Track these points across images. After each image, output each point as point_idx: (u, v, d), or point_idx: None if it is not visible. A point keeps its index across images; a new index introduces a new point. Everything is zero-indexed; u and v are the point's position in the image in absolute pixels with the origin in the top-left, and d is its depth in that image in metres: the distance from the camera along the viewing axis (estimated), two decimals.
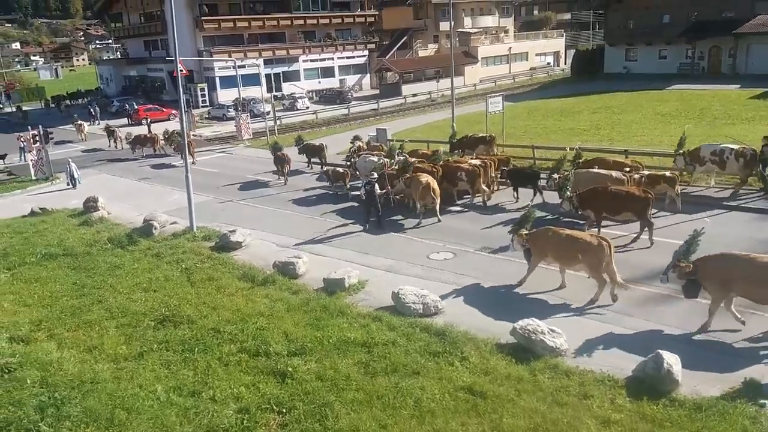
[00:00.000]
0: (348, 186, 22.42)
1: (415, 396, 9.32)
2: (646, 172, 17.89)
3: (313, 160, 27.56)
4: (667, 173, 17.99)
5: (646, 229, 15.36)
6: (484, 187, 19.52)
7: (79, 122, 43.07)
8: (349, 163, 24.74)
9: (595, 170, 17.82)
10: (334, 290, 13.61)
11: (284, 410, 9.24)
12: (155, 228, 18.89)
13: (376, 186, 18.50)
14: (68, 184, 26.75)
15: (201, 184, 24.65)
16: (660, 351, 9.46)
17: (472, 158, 21.46)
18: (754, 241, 14.76)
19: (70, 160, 27.52)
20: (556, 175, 17.97)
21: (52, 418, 9.32)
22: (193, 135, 38.24)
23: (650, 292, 12.81)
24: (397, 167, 20.81)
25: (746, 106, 34.83)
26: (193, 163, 29.09)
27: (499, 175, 21.17)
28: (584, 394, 9.18)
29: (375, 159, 22.24)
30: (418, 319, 11.86)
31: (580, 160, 19.35)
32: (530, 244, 13.23)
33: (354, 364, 10.38)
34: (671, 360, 9.26)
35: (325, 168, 24.93)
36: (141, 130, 39.92)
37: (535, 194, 19.32)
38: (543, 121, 35.82)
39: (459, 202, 20.47)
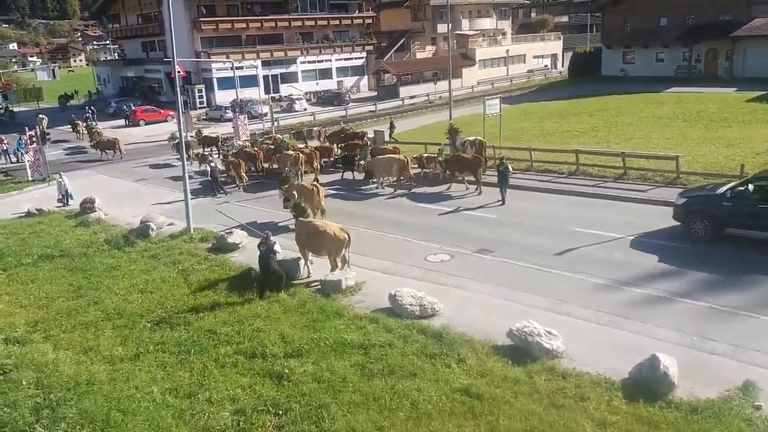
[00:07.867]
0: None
1: (411, 398, 9.32)
2: (426, 154, 25.25)
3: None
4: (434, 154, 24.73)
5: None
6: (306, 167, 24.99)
7: (40, 116, 47.04)
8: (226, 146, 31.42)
9: (386, 156, 24.52)
10: (331, 292, 13.62)
11: (280, 412, 9.23)
12: (152, 229, 18.88)
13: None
14: (60, 201, 23.90)
15: (196, 186, 24.60)
16: (656, 353, 9.48)
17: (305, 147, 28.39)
18: None
19: (61, 173, 25.28)
20: (363, 162, 25.13)
21: (48, 420, 9.30)
22: (190, 137, 38.38)
23: (646, 294, 12.84)
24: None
25: (743, 108, 34.90)
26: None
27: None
28: (581, 396, 9.18)
29: (240, 143, 30.45)
30: (415, 321, 11.87)
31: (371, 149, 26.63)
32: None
33: (350, 366, 10.37)
34: (667, 362, 9.28)
35: (195, 152, 30.78)
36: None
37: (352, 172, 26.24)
38: (540, 123, 35.85)
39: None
